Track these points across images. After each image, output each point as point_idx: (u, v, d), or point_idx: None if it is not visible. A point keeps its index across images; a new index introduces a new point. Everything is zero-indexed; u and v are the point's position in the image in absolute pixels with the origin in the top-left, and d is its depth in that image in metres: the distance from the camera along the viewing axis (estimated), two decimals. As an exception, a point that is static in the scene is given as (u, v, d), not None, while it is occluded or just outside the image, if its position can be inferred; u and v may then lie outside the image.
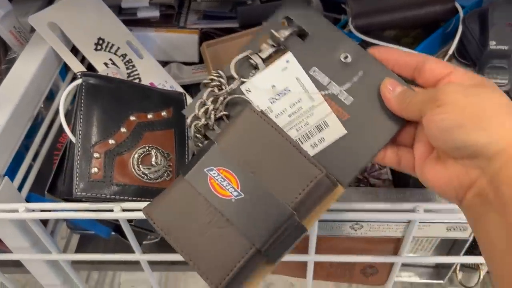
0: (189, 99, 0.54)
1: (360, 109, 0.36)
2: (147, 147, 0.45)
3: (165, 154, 0.45)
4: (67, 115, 0.48)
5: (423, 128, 0.32)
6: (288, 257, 0.48)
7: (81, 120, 0.44)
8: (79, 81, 0.45)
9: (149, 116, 0.46)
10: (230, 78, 0.39)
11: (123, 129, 0.45)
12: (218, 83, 0.39)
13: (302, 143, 0.36)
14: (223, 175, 0.34)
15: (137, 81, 0.57)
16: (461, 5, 0.56)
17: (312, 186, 0.33)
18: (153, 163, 0.44)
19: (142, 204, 0.39)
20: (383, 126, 0.35)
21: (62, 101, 0.45)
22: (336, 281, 0.54)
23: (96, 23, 0.57)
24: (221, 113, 0.38)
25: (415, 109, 0.32)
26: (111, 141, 0.44)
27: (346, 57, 0.37)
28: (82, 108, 0.44)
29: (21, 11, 0.61)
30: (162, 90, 0.50)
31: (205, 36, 0.66)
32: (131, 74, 0.57)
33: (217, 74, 0.39)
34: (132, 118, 0.45)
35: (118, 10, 0.64)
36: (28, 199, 0.51)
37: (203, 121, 0.38)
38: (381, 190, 0.49)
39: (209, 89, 0.38)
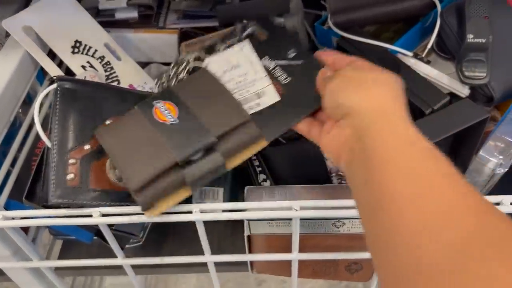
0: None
1: (293, 88, 0.46)
2: None
3: None
4: (46, 120, 0.48)
5: None
6: (272, 256, 0.48)
7: (57, 126, 0.43)
8: (54, 85, 0.44)
9: None
10: (197, 59, 0.49)
11: None
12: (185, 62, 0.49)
13: (242, 104, 0.44)
14: (167, 106, 0.43)
15: (115, 83, 0.56)
16: (439, -1, 0.56)
17: (238, 124, 0.41)
18: None
19: (121, 209, 0.40)
20: (307, 102, 0.44)
21: (36, 106, 0.44)
22: (321, 278, 0.54)
23: (73, 26, 0.56)
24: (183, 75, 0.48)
25: (323, 83, 0.39)
26: (86, 147, 0.43)
27: (292, 52, 0.48)
28: (57, 113, 0.43)
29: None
30: (140, 92, 0.49)
31: (185, 36, 0.66)
32: (110, 77, 0.56)
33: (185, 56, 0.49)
34: (108, 122, 0.44)
35: (96, 12, 0.63)
36: (6, 207, 0.50)
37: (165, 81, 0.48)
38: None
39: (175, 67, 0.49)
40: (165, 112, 0.42)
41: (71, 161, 0.42)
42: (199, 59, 0.48)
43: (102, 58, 0.57)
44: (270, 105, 0.45)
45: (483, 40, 0.49)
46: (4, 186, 0.50)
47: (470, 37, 0.50)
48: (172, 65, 0.49)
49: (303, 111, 0.43)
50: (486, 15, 0.50)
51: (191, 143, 0.40)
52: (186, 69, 0.48)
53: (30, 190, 0.47)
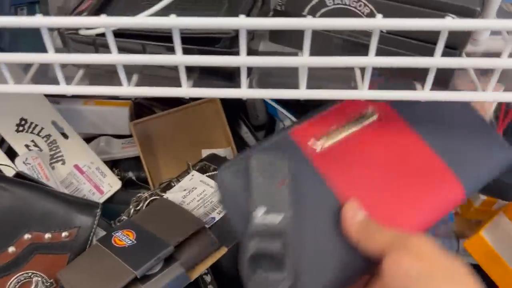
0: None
1: None
2: (30, 274, 0.43)
3: (48, 283, 0.43)
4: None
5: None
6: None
7: None
8: (-17, 184, 0.43)
9: (47, 236, 0.44)
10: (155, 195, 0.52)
11: (11, 249, 0.43)
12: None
13: (210, 213, 0.48)
14: (125, 233, 0.45)
15: (60, 163, 0.55)
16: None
17: (194, 232, 0.42)
18: None
19: None
20: None
21: None
22: None
23: (20, 102, 0.55)
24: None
25: (377, 245, 0.31)
26: None
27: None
28: None
29: None
30: (75, 200, 0.48)
31: (139, 106, 0.65)
32: (55, 156, 0.55)
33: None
34: (26, 236, 0.43)
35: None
36: None
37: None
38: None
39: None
40: (123, 237, 0.44)
41: None
42: (157, 194, 0.52)
43: (48, 136, 0.55)
44: None
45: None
46: None
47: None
48: (132, 201, 0.53)
49: None
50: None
51: (149, 256, 0.40)
52: (146, 203, 0.51)
53: None
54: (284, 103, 0.60)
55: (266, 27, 0.30)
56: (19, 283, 0.42)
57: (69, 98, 0.61)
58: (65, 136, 0.56)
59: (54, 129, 0.56)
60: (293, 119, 0.55)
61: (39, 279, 0.43)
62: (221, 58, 0.32)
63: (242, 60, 0.32)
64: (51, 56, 0.33)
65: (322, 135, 0.38)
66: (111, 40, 0.32)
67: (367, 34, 0.37)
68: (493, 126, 0.43)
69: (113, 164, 0.60)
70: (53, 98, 0.58)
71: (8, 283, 0.42)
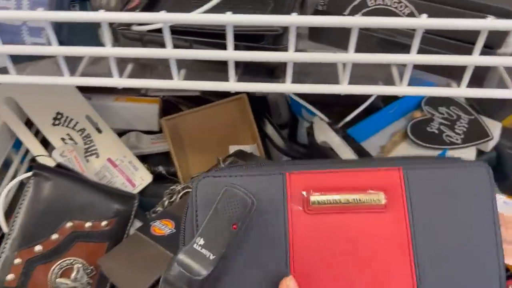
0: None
1: None
2: (72, 260, 0.44)
3: (89, 270, 0.45)
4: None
5: None
6: None
7: (19, 218, 0.44)
8: (28, 174, 0.45)
9: (87, 224, 0.46)
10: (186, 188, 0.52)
11: (54, 236, 0.44)
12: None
13: None
14: (163, 222, 0.46)
15: (94, 156, 0.57)
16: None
17: None
18: (72, 278, 0.44)
19: None
20: None
21: (2, 196, 0.44)
22: None
23: (56, 97, 0.56)
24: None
25: None
26: (37, 248, 0.43)
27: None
28: (21, 207, 0.44)
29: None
30: (114, 191, 0.50)
31: (167, 104, 0.67)
32: (89, 150, 0.57)
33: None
34: (68, 225, 0.45)
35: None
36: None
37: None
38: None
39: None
40: (162, 227, 0.45)
41: (17, 261, 0.43)
42: (189, 187, 0.53)
43: (82, 130, 0.57)
44: None
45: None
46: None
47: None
48: (165, 193, 0.54)
49: None
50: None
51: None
52: (179, 195, 0.52)
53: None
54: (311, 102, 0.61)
55: (316, 25, 0.32)
56: (62, 269, 0.44)
57: (101, 94, 0.63)
58: (98, 130, 0.58)
59: (88, 123, 0.57)
60: (322, 116, 0.56)
61: (80, 265, 0.45)
62: (271, 53, 0.34)
63: (290, 55, 0.34)
64: (109, 50, 0.35)
65: (315, 192, 0.35)
66: (167, 35, 0.33)
67: (402, 33, 0.39)
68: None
69: (142, 159, 0.61)
70: (85, 94, 0.60)
71: (52, 269, 0.44)
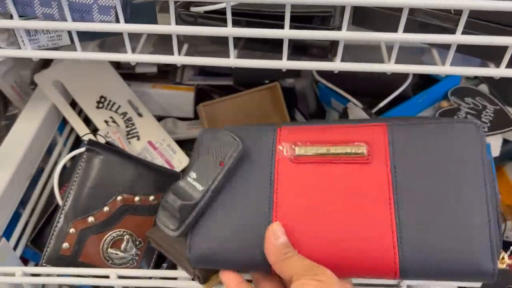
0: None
1: None
2: (122, 231, 0.47)
3: (137, 242, 0.47)
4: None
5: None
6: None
7: (72, 190, 0.47)
8: (82, 149, 0.47)
9: (136, 198, 0.48)
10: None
11: (106, 208, 0.47)
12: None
13: None
14: None
15: (135, 139, 0.59)
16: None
17: None
18: (122, 249, 0.47)
19: (137, 272, 0.43)
20: None
21: (57, 171, 0.47)
22: None
23: (99, 82, 0.59)
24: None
25: (289, 270, 0.34)
26: (90, 219, 0.46)
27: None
28: (75, 179, 0.47)
29: (21, 63, 0.62)
30: (160, 169, 0.52)
31: (200, 92, 0.69)
32: (130, 132, 0.59)
33: None
34: (119, 198, 0.47)
35: (117, 64, 0.66)
36: (23, 255, 0.52)
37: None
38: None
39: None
40: None
41: (72, 230, 0.45)
42: None
43: (124, 114, 0.59)
44: None
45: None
46: (21, 236, 0.52)
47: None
48: None
49: None
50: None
51: None
52: None
53: (38, 235, 0.51)
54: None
55: (371, 4, 0.34)
56: (113, 240, 0.47)
57: (139, 81, 0.66)
58: (139, 114, 0.60)
59: (130, 107, 0.60)
60: (356, 102, 0.59)
61: (129, 237, 0.47)
62: (324, 32, 0.36)
63: (343, 34, 0.36)
64: (173, 28, 0.37)
65: (302, 144, 0.38)
66: (229, 14, 0.36)
67: (442, 17, 0.41)
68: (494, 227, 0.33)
69: (178, 144, 0.64)
70: (125, 81, 0.62)
71: (103, 239, 0.46)
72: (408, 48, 0.48)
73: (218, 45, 0.42)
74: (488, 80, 0.67)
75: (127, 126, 0.59)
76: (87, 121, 0.59)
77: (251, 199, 0.37)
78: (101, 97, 0.59)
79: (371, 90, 0.62)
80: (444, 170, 0.35)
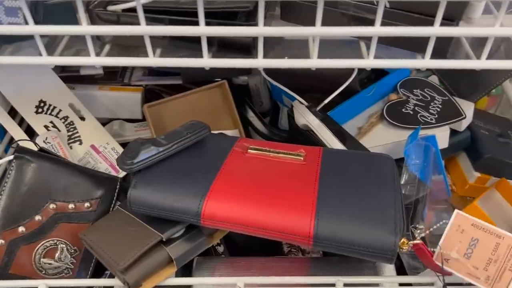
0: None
1: None
2: (56, 241, 0.45)
3: (72, 250, 0.46)
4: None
5: None
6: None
7: (2, 199, 0.45)
8: (10, 157, 0.45)
9: (70, 206, 0.47)
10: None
11: (38, 217, 0.45)
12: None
13: None
14: None
15: (77, 143, 0.57)
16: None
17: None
18: (56, 258, 0.45)
19: (69, 281, 0.41)
20: None
21: None
22: None
23: (38, 85, 0.57)
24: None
25: None
26: (20, 229, 0.44)
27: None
28: (3, 188, 0.45)
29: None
30: (96, 174, 0.50)
31: (149, 92, 0.68)
32: (72, 137, 0.57)
33: None
34: (51, 206, 0.46)
35: (61, 68, 0.64)
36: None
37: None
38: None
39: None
40: None
41: (0, 242, 0.44)
42: None
43: (65, 118, 0.58)
44: None
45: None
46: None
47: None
48: None
49: None
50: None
51: (173, 222, 0.43)
52: None
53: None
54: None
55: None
56: (46, 249, 0.45)
57: (84, 83, 0.64)
58: (81, 118, 0.59)
59: (71, 111, 0.58)
60: (300, 99, 0.58)
61: (64, 246, 0.46)
62: (241, 28, 0.35)
63: (260, 30, 0.35)
64: (85, 28, 0.36)
65: (255, 147, 0.49)
66: (141, 13, 0.35)
67: (371, 10, 0.40)
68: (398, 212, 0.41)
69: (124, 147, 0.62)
70: (69, 84, 0.61)
71: (36, 249, 0.45)
72: (349, 42, 0.47)
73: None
74: (439, 71, 0.67)
75: (68, 131, 0.57)
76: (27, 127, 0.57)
77: (202, 164, 0.46)
78: (40, 101, 0.57)
79: (318, 86, 0.61)
80: (361, 174, 0.45)
